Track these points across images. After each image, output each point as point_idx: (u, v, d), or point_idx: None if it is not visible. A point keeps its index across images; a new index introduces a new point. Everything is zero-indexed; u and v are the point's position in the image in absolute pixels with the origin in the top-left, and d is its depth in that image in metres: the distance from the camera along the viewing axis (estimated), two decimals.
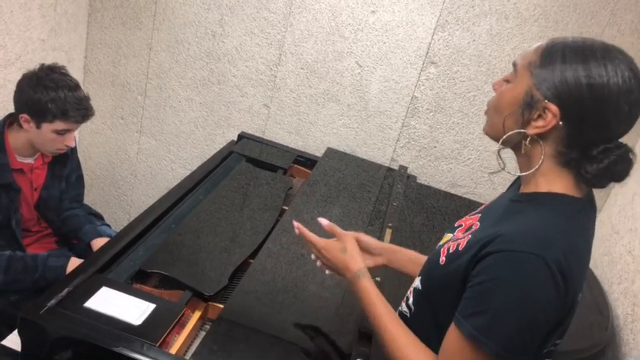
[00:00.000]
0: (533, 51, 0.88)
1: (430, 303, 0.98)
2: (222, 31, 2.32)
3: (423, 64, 2.19)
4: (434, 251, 1.03)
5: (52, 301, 1.12)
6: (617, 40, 2.00)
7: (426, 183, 2.37)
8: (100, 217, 1.98)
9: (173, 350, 1.15)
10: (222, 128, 2.50)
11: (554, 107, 0.82)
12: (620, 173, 0.84)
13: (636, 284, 1.72)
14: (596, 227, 0.93)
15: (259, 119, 2.44)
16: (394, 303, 1.03)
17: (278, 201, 1.85)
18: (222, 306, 1.29)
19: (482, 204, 1.10)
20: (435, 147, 2.31)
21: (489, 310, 0.80)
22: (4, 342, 1.19)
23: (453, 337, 0.85)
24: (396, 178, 2.19)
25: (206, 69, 2.40)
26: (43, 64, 1.61)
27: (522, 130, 0.86)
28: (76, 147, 1.82)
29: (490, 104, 0.94)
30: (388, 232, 1.77)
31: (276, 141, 2.43)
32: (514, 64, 0.91)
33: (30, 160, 1.70)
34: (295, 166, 2.28)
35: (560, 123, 0.82)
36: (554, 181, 0.87)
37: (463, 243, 0.92)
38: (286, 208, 1.81)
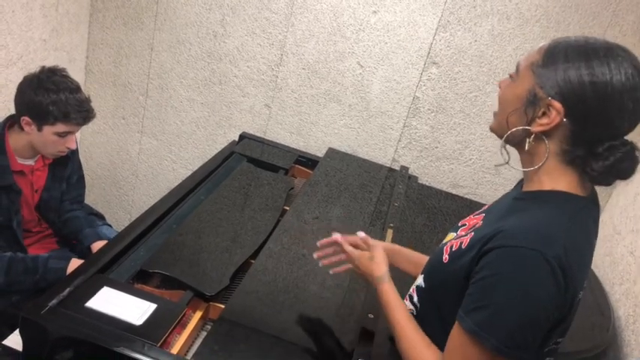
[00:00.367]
0: (536, 51, 0.88)
1: (434, 300, 0.99)
2: (223, 32, 2.32)
3: (425, 64, 2.19)
4: (436, 250, 1.04)
5: (54, 301, 1.12)
6: (618, 40, 1.97)
7: (427, 183, 2.37)
8: (101, 217, 1.99)
9: (174, 350, 1.15)
10: (223, 128, 2.50)
11: (557, 105, 0.82)
12: (625, 171, 0.84)
13: (638, 285, 1.71)
14: (599, 227, 0.93)
15: (260, 119, 2.44)
16: None
17: (279, 201, 1.85)
18: (223, 306, 1.29)
19: (483, 204, 1.11)
20: (436, 147, 2.31)
21: (490, 306, 0.80)
22: (6, 342, 1.19)
23: (455, 333, 0.86)
24: (397, 179, 2.19)
25: (207, 69, 2.40)
26: (43, 67, 1.61)
27: (527, 127, 0.87)
28: (77, 148, 1.81)
29: (498, 101, 0.96)
30: (389, 233, 1.77)
31: (278, 141, 2.43)
32: (518, 65, 0.91)
33: (30, 162, 1.70)
34: (296, 166, 2.28)
35: (564, 120, 0.83)
36: (559, 180, 0.87)
37: (466, 241, 0.92)
38: (287, 208, 1.81)
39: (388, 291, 1.06)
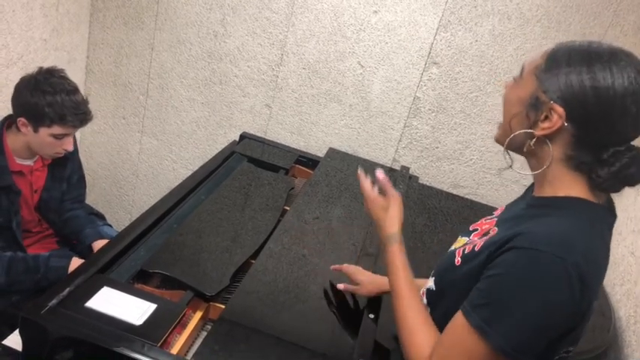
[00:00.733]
0: (540, 55, 0.88)
1: (444, 303, 0.98)
2: (224, 31, 2.32)
3: (426, 64, 2.18)
4: (447, 253, 1.03)
5: (53, 301, 1.11)
6: (620, 40, 1.99)
7: (427, 183, 2.36)
8: (101, 216, 1.98)
9: (174, 350, 1.15)
10: (223, 128, 2.50)
11: (559, 108, 0.82)
12: (632, 177, 0.83)
13: (639, 286, 1.71)
14: None
15: (261, 119, 2.44)
16: None
17: (280, 201, 1.84)
18: (223, 306, 1.29)
19: (484, 205, 1.10)
20: (437, 147, 2.31)
21: (500, 304, 0.79)
22: (6, 342, 1.19)
23: (458, 324, 0.85)
24: (397, 179, 2.19)
25: (208, 69, 2.40)
26: (41, 68, 1.60)
27: (530, 131, 0.87)
28: (77, 148, 1.81)
29: (502, 104, 0.96)
30: None
31: (278, 141, 2.43)
32: (522, 68, 0.91)
33: (29, 162, 1.70)
34: (297, 166, 2.28)
35: (567, 125, 0.82)
36: (571, 186, 0.87)
37: (479, 244, 0.92)
38: (288, 208, 1.80)
39: (396, 255, 1.02)
